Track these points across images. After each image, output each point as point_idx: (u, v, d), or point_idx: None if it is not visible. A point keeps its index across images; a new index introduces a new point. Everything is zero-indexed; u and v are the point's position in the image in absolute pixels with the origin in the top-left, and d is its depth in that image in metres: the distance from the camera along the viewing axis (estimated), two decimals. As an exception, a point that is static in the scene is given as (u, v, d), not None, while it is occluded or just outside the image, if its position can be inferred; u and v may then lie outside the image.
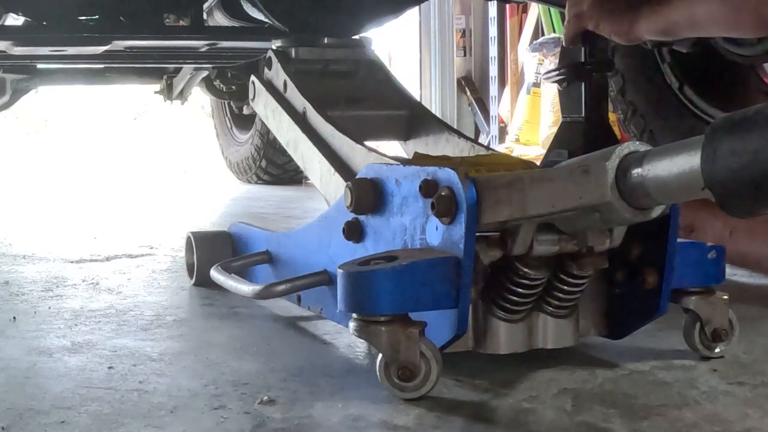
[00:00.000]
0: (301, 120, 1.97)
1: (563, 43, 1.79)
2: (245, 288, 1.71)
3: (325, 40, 2.19)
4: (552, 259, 1.38)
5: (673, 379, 1.40)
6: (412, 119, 2.10)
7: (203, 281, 2.03)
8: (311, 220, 1.70)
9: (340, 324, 1.60)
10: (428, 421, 1.23)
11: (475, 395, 1.34)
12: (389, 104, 2.13)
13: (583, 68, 1.81)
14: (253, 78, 2.16)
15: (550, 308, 1.43)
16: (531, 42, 5.81)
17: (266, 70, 2.14)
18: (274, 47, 2.17)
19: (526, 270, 1.36)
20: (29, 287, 2.12)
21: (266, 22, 2.54)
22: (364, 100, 2.10)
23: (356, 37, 2.34)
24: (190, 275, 2.11)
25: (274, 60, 2.12)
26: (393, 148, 2.51)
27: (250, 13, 2.60)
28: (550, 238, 1.35)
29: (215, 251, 2.05)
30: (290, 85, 2.05)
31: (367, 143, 1.81)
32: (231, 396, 1.33)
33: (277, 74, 2.10)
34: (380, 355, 1.30)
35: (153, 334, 1.69)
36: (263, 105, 2.11)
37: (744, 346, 1.55)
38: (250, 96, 2.16)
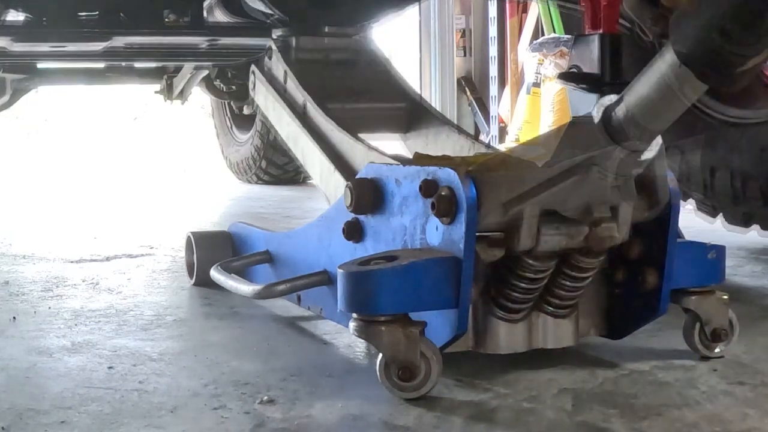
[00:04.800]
0: (301, 114, 1.96)
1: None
2: (245, 288, 1.70)
3: (326, 30, 2.18)
4: (556, 252, 1.37)
5: (673, 379, 1.40)
6: (412, 112, 2.10)
7: (203, 281, 2.02)
8: (311, 220, 1.70)
9: (340, 324, 1.60)
10: (428, 421, 1.23)
11: (475, 395, 1.34)
12: (389, 97, 2.12)
13: (601, 83, 1.81)
14: (253, 68, 2.14)
15: (550, 308, 1.42)
16: (531, 42, 5.80)
17: (266, 60, 2.13)
18: (274, 37, 2.15)
19: (532, 262, 1.35)
20: (29, 287, 2.12)
21: (267, 20, 2.54)
22: (364, 93, 2.09)
23: (357, 27, 2.33)
24: (190, 275, 2.11)
25: (275, 49, 2.11)
26: (393, 147, 2.51)
27: (251, 5, 2.60)
28: (554, 230, 1.34)
29: (215, 251, 2.04)
30: (290, 76, 2.03)
31: (368, 139, 1.80)
32: (231, 396, 1.32)
33: (278, 64, 2.09)
34: (380, 355, 1.30)
35: (153, 334, 1.69)
36: (263, 96, 2.10)
37: (744, 346, 1.55)
38: (250, 87, 2.15)
